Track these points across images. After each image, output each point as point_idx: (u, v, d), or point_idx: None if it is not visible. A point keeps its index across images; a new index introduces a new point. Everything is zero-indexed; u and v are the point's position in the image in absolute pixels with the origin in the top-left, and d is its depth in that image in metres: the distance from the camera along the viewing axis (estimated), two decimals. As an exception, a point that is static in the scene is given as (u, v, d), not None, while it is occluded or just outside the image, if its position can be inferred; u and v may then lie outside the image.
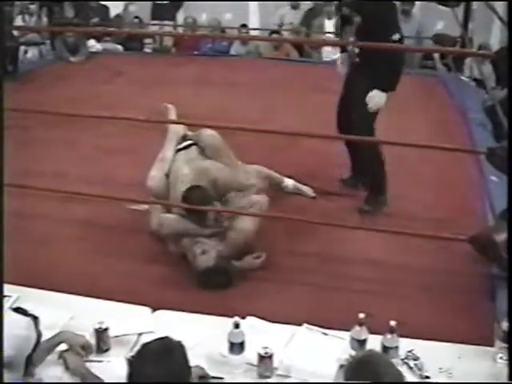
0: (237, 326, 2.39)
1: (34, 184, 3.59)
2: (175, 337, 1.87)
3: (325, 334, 2.60)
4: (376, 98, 3.45)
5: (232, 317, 2.43)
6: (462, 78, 6.43)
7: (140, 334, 2.56)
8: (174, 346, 1.83)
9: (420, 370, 2.39)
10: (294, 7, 8.01)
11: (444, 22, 7.54)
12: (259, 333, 2.56)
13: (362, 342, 2.43)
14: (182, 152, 3.50)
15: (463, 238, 2.94)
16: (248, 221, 3.16)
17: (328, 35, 7.27)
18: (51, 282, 2.93)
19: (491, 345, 2.46)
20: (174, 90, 5.34)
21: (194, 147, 3.54)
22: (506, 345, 2.33)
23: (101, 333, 2.46)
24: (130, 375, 1.79)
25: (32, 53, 7.35)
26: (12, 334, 1.95)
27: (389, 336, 2.40)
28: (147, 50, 8.08)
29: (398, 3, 7.02)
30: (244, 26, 7.99)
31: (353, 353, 2.37)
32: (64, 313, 2.66)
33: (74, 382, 2.31)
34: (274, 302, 2.88)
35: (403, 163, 4.04)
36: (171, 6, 8.32)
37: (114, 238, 3.42)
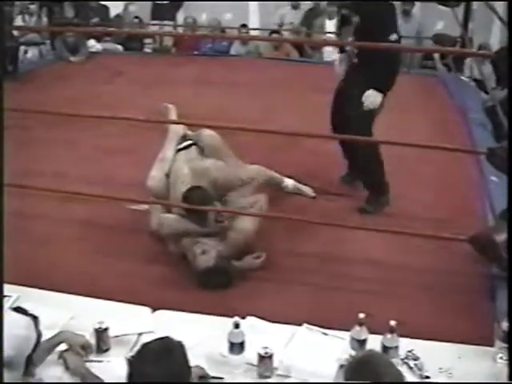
0: (237, 326, 2.39)
1: (34, 184, 3.59)
2: (175, 337, 1.87)
3: (325, 333, 2.60)
4: (371, 98, 3.46)
5: (232, 317, 2.43)
6: (462, 78, 6.43)
7: (140, 334, 2.56)
8: (174, 345, 1.83)
9: (420, 369, 2.39)
10: (295, 7, 8.01)
11: (444, 22, 7.54)
12: (259, 333, 2.56)
13: (362, 342, 2.43)
14: (183, 152, 3.50)
15: (463, 237, 2.94)
16: (248, 221, 3.16)
17: (329, 35, 7.26)
18: (51, 282, 2.93)
19: (491, 345, 2.46)
20: (174, 90, 5.34)
21: (194, 147, 3.55)
22: (506, 345, 2.33)
23: (101, 333, 2.46)
24: (130, 375, 1.80)
25: (32, 53, 7.35)
26: (12, 333, 1.95)
27: (389, 336, 2.40)
28: (147, 49, 8.08)
29: (397, 3, 7.10)
30: (244, 25, 8.00)
31: (353, 353, 2.37)
32: (64, 313, 2.66)
33: (74, 382, 2.31)
34: (274, 302, 2.88)
35: (403, 163, 4.05)
36: (171, 5, 8.33)
37: (114, 237, 3.42)
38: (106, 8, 8.26)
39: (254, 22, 8.56)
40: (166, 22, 8.04)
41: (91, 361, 2.39)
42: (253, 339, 2.43)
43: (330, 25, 7.20)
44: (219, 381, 2.35)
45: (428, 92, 5.86)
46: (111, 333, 2.49)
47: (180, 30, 8.42)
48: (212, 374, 2.34)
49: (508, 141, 2.69)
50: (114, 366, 2.35)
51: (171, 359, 1.79)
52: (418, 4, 7.56)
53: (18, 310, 2.11)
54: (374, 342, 2.40)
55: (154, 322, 2.66)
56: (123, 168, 4.16)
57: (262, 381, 2.37)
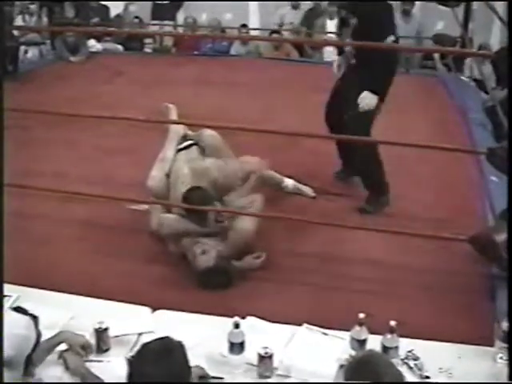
0: (237, 326, 2.39)
1: (34, 184, 3.59)
2: (175, 337, 1.87)
3: (325, 333, 2.60)
4: (367, 100, 3.48)
5: (232, 317, 2.43)
6: (462, 78, 6.43)
7: (140, 334, 2.56)
8: (174, 345, 1.83)
9: (420, 370, 2.39)
10: (295, 7, 8.01)
11: (444, 22, 7.54)
12: (259, 333, 2.56)
13: (362, 342, 2.43)
14: (183, 152, 3.50)
15: (463, 237, 2.95)
16: (248, 221, 3.16)
17: (330, 35, 7.26)
18: (51, 282, 2.93)
19: (491, 345, 2.46)
20: (174, 90, 5.34)
21: (194, 147, 3.55)
22: (506, 345, 2.33)
23: (101, 333, 2.46)
24: (130, 375, 1.80)
25: (32, 53, 7.35)
26: (12, 333, 1.95)
27: (389, 336, 2.40)
28: (147, 49, 8.09)
29: (397, 3, 7.12)
30: (244, 25, 8.00)
31: (353, 353, 2.37)
32: (64, 313, 2.66)
33: (74, 382, 2.31)
34: (274, 302, 2.88)
35: (403, 163, 4.05)
36: (171, 5, 8.33)
37: (114, 237, 3.42)
38: (107, 8, 8.26)
39: (254, 22, 8.56)
40: (166, 22, 8.05)
41: (91, 361, 2.39)
42: (253, 339, 2.43)
43: (331, 25, 7.20)
44: (219, 381, 2.35)
45: (428, 92, 5.86)
46: (111, 333, 2.49)
47: (180, 30, 8.43)
48: (212, 374, 2.34)
49: (508, 141, 2.69)
50: (114, 366, 2.35)
51: (171, 359, 1.79)
52: (418, 4, 7.55)
53: (18, 309, 2.11)
54: (374, 342, 2.40)
55: (154, 322, 2.66)
56: (123, 168, 4.16)
57: (261, 381, 2.37)
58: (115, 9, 8.39)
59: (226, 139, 3.57)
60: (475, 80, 6.30)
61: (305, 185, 3.87)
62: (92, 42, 7.49)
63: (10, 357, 1.93)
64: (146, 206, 3.55)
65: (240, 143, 3.69)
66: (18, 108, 3.43)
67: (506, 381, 2.22)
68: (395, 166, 3.82)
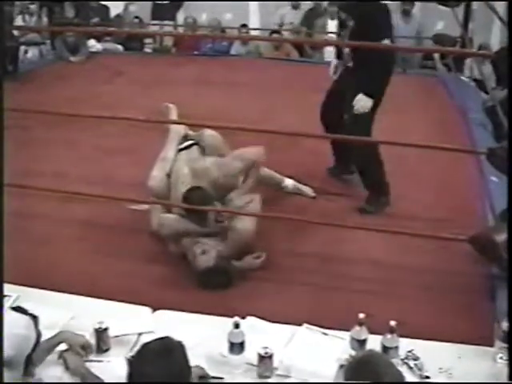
0: (237, 326, 2.39)
1: (34, 184, 3.59)
2: (175, 337, 1.87)
3: (325, 333, 2.60)
4: (361, 102, 3.49)
5: (232, 317, 2.43)
6: (462, 78, 6.43)
7: (140, 334, 2.56)
8: (175, 345, 1.83)
9: (420, 370, 2.39)
10: (295, 7, 8.01)
11: (444, 22, 7.54)
12: (259, 333, 2.56)
13: (362, 342, 2.43)
14: (184, 152, 3.50)
15: (463, 237, 2.94)
16: (248, 220, 3.16)
17: (330, 35, 7.26)
18: (51, 282, 2.93)
19: (491, 345, 2.46)
20: (174, 90, 5.34)
21: (195, 147, 3.55)
22: (506, 345, 2.33)
23: (101, 333, 2.47)
24: (130, 375, 1.80)
25: (32, 53, 7.35)
26: (12, 332, 1.95)
27: (389, 336, 2.40)
28: (147, 49, 8.09)
29: (397, 3, 7.11)
30: (244, 25, 8.00)
31: (353, 353, 2.37)
32: (64, 313, 2.66)
33: (74, 382, 2.31)
34: (274, 302, 2.88)
35: (403, 163, 4.05)
36: (171, 5, 8.33)
37: (114, 237, 3.42)
38: (107, 8, 8.26)
39: (254, 22, 8.56)
40: (166, 22, 8.04)
41: (91, 361, 2.39)
42: (253, 339, 2.43)
43: (332, 25, 7.20)
44: (219, 381, 2.35)
45: (428, 92, 5.86)
46: (111, 333, 2.49)
47: (180, 29, 8.42)
48: (212, 374, 2.34)
49: (508, 141, 2.69)
50: (114, 366, 2.35)
51: (171, 359, 1.79)
52: (418, 4, 7.55)
53: (18, 309, 2.11)
54: (374, 342, 2.40)
55: (154, 322, 2.66)
56: (123, 168, 4.16)
57: (261, 381, 2.37)
58: (115, 9, 8.39)
59: (226, 139, 3.57)
60: (475, 80, 6.30)
61: (305, 185, 3.87)
62: (92, 42, 7.49)
63: (10, 356, 1.93)
64: (146, 206, 3.55)
65: (240, 143, 3.67)
66: (18, 108, 3.43)
67: (506, 381, 2.22)
68: (395, 166, 3.82)
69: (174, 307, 2.79)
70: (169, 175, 3.41)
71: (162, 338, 1.86)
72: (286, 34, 7.74)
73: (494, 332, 2.50)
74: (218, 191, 3.25)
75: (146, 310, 2.78)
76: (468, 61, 6.78)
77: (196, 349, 2.18)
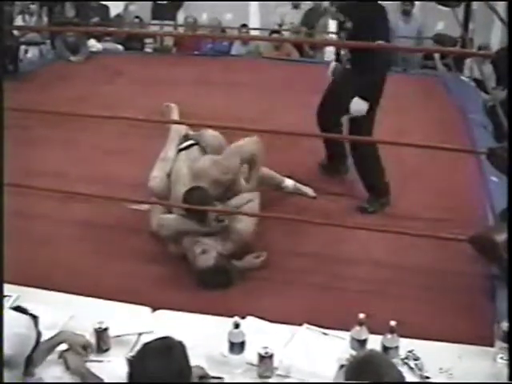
0: (237, 325, 2.39)
1: (34, 184, 3.59)
2: (175, 337, 1.87)
3: (325, 333, 2.60)
4: (356, 106, 3.49)
5: (232, 317, 2.43)
6: (463, 78, 6.43)
7: (140, 334, 2.56)
8: (175, 345, 1.83)
9: (420, 370, 2.39)
10: (296, 7, 8.01)
11: (444, 22, 7.54)
12: (259, 333, 2.56)
13: (362, 342, 2.43)
14: (184, 152, 3.50)
15: (463, 237, 2.94)
16: (248, 220, 3.16)
17: (331, 35, 7.26)
18: (51, 282, 2.94)
19: (491, 345, 2.46)
20: (174, 90, 5.34)
21: (195, 147, 3.55)
22: (506, 345, 2.33)
23: (101, 333, 2.47)
24: (131, 375, 1.80)
25: (32, 52, 7.34)
26: (12, 332, 1.95)
27: (389, 336, 2.40)
28: (148, 49, 8.08)
29: (397, 3, 7.11)
30: (244, 25, 8.00)
31: (353, 353, 2.36)
32: (64, 313, 2.67)
33: (74, 381, 2.31)
34: (274, 302, 2.88)
35: (403, 163, 4.05)
36: (171, 5, 8.33)
37: (114, 237, 3.42)
38: (107, 8, 8.25)
39: (254, 21, 8.56)
40: (166, 22, 8.04)
41: (91, 361, 2.40)
42: (253, 339, 2.43)
43: (334, 25, 7.20)
44: (219, 381, 2.35)
45: (428, 92, 5.86)
46: (111, 333, 2.49)
47: (180, 29, 8.42)
48: (212, 373, 2.34)
49: (508, 141, 2.69)
50: (114, 365, 2.35)
51: (171, 359, 1.79)
52: (418, 4, 7.55)
53: (18, 309, 2.11)
54: (374, 342, 2.40)
55: (154, 322, 2.66)
56: (124, 168, 4.15)
57: (261, 381, 2.37)
58: (115, 8, 8.39)
59: (226, 139, 3.57)
60: (475, 80, 6.30)
61: (305, 185, 3.87)
62: (92, 42, 7.48)
63: (10, 356, 1.93)
64: (146, 206, 3.56)
65: (240, 143, 3.68)
66: (18, 108, 3.44)
67: (506, 381, 2.22)
68: (395, 166, 3.82)
69: (174, 307, 2.79)
70: (169, 175, 3.41)
71: (162, 338, 1.87)
72: (286, 34, 7.74)
73: (494, 332, 2.50)
74: (218, 189, 3.24)
75: (146, 309, 2.78)
76: (468, 61, 6.79)
77: (196, 349, 2.17)
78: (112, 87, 5.96)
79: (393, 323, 2.39)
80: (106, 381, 2.28)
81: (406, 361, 2.42)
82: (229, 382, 2.36)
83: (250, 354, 2.40)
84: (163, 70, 6.42)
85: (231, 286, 3.01)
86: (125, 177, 3.98)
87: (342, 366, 2.20)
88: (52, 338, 2.31)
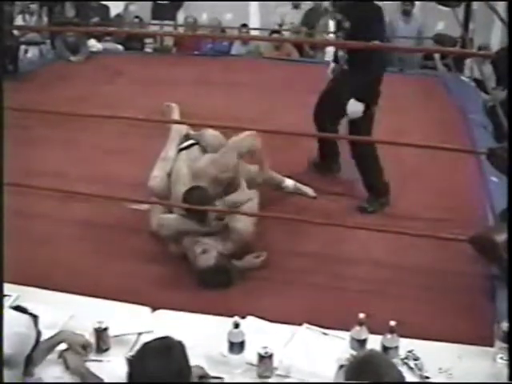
0: (237, 325, 2.39)
1: (34, 183, 3.59)
2: (175, 336, 1.87)
3: (325, 333, 2.60)
4: (352, 108, 3.50)
5: (232, 316, 2.43)
6: (463, 78, 6.43)
7: (140, 334, 2.56)
8: (174, 345, 1.83)
9: (420, 370, 2.39)
10: (296, 7, 8.01)
11: (444, 22, 7.54)
12: (259, 333, 2.56)
13: (362, 342, 2.43)
14: (184, 152, 3.50)
15: (463, 238, 2.94)
16: (247, 220, 3.16)
17: (331, 35, 7.25)
18: (51, 282, 2.94)
19: (491, 345, 2.46)
20: (174, 90, 5.33)
21: (196, 147, 3.55)
22: (506, 345, 2.33)
23: (100, 332, 2.47)
24: (130, 375, 1.79)
25: (32, 52, 7.34)
26: (12, 331, 1.95)
27: (389, 336, 2.40)
28: (148, 49, 8.08)
29: (398, 3, 7.11)
30: (244, 25, 8.00)
31: (353, 353, 2.37)
32: (64, 312, 2.67)
33: (73, 381, 2.31)
34: (274, 302, 2.88)
35: (403, 163, 4.05)
36: (171, 5, 8.33)
37: (114, 237, 3.42)
38: (107, 8, 8.25)
39: (254, 21, 8.56)
40: (166, 22, 8.04)
41: (91, 360, 2.39)
42: (253, 339, 2.43)
43: (334, 25, 7.20)
44: (219, 381, 2.35)
45: (428, 92, 5.86)
46: (111, 332, 2.49)
47: (180, 29, 8.42)
48: (212, 373, 2.34)
49: (508, 141, 2.69)
50: (113, 365, 2.35)
51: (171, 359, 1.79)
52: (418, 4, 7.55)
53: (18, 308, 2.12)
54: (374, 342, 2.40)
55: (154, 322, 2.66)
56: (124, 168, 4.15)
57: (261, 381, 2.37)
58: (115, 8, 8.39)
59: (226, 139, 3.56)
60: (475, 80, 6.30)
61: (305, 185, 3.87)
62: (92, 42, 7.48)
63: (10, 355, 1.93)
64: (146, 206, 3.56)
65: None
66: (18, 107, 3.44)
67: (506, 381, 2.22)
68: (395, 166, 3.82)
69: (174, 307, 2.79)
70: (169, 175, 3.41)
71: (161, 338, 1.86)
72: (286, 34, 7.74)
73: (493, 332, 2.50)
74: (218, 188, 3.24)
75: (146, 309, 2.78)
76: (468, 61, 6.78)
77: (196, 348, 2.17)
78: (112, 87, 5.96)
79: (393, 323, 2.39)
80: (105, 380, 2.27)
81: (405, 361, 2.42)
82: (228, 381, 2.36)
83: (250, 354, 2.39)
84: (163, 70, 6.42)
85: (231, 286, 3.01)
86: (125, 176, 3.98)
87: (341, 366, 2.20)
88: (52, 337, 2.31)
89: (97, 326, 2.47)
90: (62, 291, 2.87)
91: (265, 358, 2.36)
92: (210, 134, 3.54)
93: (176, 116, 3.96)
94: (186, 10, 8.54)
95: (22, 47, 7.01)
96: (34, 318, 2.08)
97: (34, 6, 7.58)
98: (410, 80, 6.07)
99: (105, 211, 3.60)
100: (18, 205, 3.27)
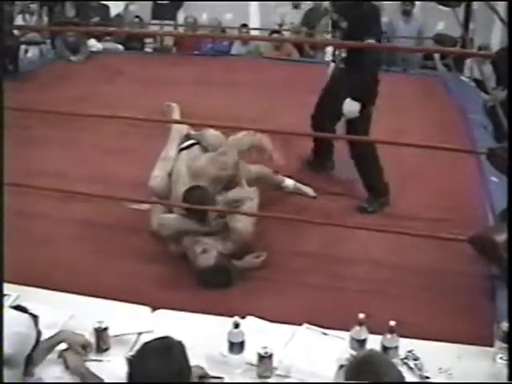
0: (237, 325, 2.39)
1: (34, 183, 3.59)
2: (175, 336, 1.87)
3: (325, 334, 2.60)
4: (348, 107, 3.50)
5: (232, 316, 2.43)
6: (463, 78, 6.43)
7: (140, 334, 2.56)
8: (174, 345, 1.83)
9: (420, 370, 2.39)
10: (296, 7, 8.01)
11: (445, 22, 7.53)
12: (259, 332, 2.56)
13: (362, 342, 2.43)
14: (185, 152, 3.50)
15: (463, 238, 2.94)
16: (247, 220, 3.17)
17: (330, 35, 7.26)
18: (51, 282, 2.94)
19: (491, 345, 2.46)
20: (174, 90, 5.33)
21: (196, 147, 3.55)
22: (505, 345, 2.33)
23: (100, 332, 2.47)
24: (130, 374, 1.79)
25: (32, 52, 7.34)
26: (12, 331, 1.95)
27: (388, 336, 2.40)
28: (148, 49, 8.08)
29: (398, 3, 7.10)
30: (244, 25, 8.00)
31: (353, 353, 2.37)
32: (64, 312, 2.66)
33: (73, 381, 2.31)
34: (274, 302, 2.88)
35: (403, 163, 4.05)
36: (172, 5, 8.33)
37: (114, 237, 3.42)
38: (107, 7, 8.25)
39: (254, 21, 8.56)
40: (166, 22, 8.04)
41: (91, 360, 2.39)
42: (253, 339, 2.44)
43: (334, 25, 7.20)
44: (219, 380, 2.35)
45: (428, 92, 5.86)
46: (111, 332, 2.49)
47: (180, 29, 8.41)
48: (212, 373, 2.34)
49: (508, 141, 2.69)
50: (113, 365, 2.35)
51: (171, 358, 1.79)
52: (418, 4, 7.55)
53: (18, 308, 2.11)
54: (374, 342, 2.40)
55: (154, 322, 2.66)
56: (124, 167, 4.15)
57: (261, 381, 2.37)
58: (115, 8, 8.39)
59: (226, 138, 3.57)
60: (475, 80, 6.30)
61: (305, 185, 3.87)
62: (92, 42, 7.48)
63: (10, 355, 1.93)
64: (146, 206, 3.56)
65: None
66: (18, 107, 3.44)
67: (505, 381, 2.22)
68: (395, 166, 3.82)
69: (174, 307, 2.79)
70: (170, 175, 3.41)
71: (161, 338, 1.86)
72: (286, 34, 7.74)
73: (493, 332, 2.50)
74: (218, 186, 3.25)
75: (146, 309, 2.78)
76: (468, 61, 6.78)
77: (196, 348, 2.17)
78: (112, 87, 5.96)
79: (392, 323, 2.39)
80: (105, 380, 2.27)
81: (405, 361, 2.42)
82: (228, 381, 2.36)
83: (250, 354, 2.39)
84: (163, 70, 6.42)
85: (231, 286, 3.01)
86: (125, 176, 3.98)
87: (341, 366, 2.20)
88: (52, 337, 2.31)
89: (97, 325, 2.47)
90: (62, 291, 2.87)
91: (265, 358, 2.36)
92: (211, 134, 3.54)
93: (176, 116, 3.96)
94: (186, 9, 8.54)
95: (23, 47, 7.00)
96: (34, 317, 2.08)
97: (34, 6, 7.58)
98: (409, 80, 6.07)
99: (105, 211, 3.60)
100: (18, 205, 3.27)
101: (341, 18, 3.51)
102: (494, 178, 3.78)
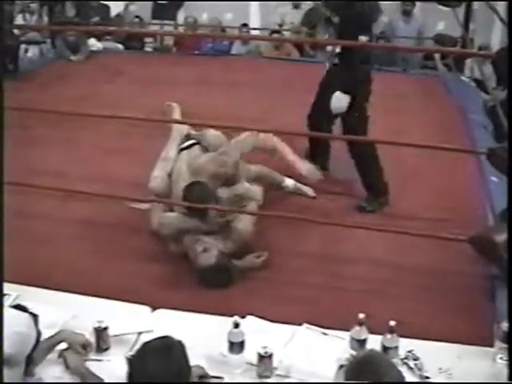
0: (236, 325, 2.39)
1: (35, 183, 3.59)
2: (175, 336, 1.87)
3: (325, 333, 2.60)
4: (336, 101, 3.51)
5: (232, 316, 2.43)
6: (463, 78, 6.43)
7: (140, 333, 2.56)
8: (174, 345, 1.83)
9: (420, 370, 2.39)
10: (296, 7, 8.01)
11: (445, 22, 7.53)
12: (259, 332, 2.56)
13: (362, 342, 2.43)
14: (185, 152, 3.51)
15: (463, 238, 2.94)
16: (247, 219, 3.17)
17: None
18: (51, 281, 2.93)
19: (491, 345, 2.46)
20: (174, 90, 5.33)
21: (197, 146, 3.55)
22: (505, 345, 2.33)
23: (100, 332, 2.47)
24: (130, 374, 1.80)
25: (32, 52, 7.33)
26: (12, 330, 1.95)
27: (388, 336, 2.40)
28: (148, 49, 8.07)
29: (398, 3, 7.11)
30: (245, 25, 8.00)
31: (353, 353, 2.37)
32: (64, 312, 2.66)
33: (73, 381, 2.31)
34: (274, 302, 2.88)
35: (403, 163, 4.05)
36: (172, 5, 8.33)
37: (114, 237, 3.42)
38: (107, 7, 8.25)
39: (254, 21, 8.56)
40: (166, 22, 8.04)
41: (91, 360, 2.39)
42: (252, 339, 2.44)
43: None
44: (219, 380, 2.35)
45: (428, 92, 5.86)
46: (111, 332, 2.49)
47: (181, 29, 8.41)
48: (212, 373, 2.33)
49: (508, 141, 2.69)
50: (113, 365, 2.35)
51: (171, 358, 1.79)
52: (418, 4, 7.54)
53: (18, 307, 2.11)
54: (374, 342, 2.40)
55: (154, 322, 2.66)
56: (124, 167, 4.15)
57: (261, 381, 2.37)
58: (116, 8, 8.39)
59: (227, 138, 3.57)
60: (475, 80, 6.30)
61: (305, 184, 3.87)
62: (92, 41, 7.48)
63: (10, 355, 1.93)
64: (146, 205, 3.56)
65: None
66: (18, 107, 3.44)
67: (505, 381, 2.22)
68: (395, 166, 3.82)
69: (174, 306, 2.79)
70: (170, 175, 3.41)
71: (161, 338, 1.87)
72: (286, 34, 7.74)
73: (493, 332, 2.50)
74: (217, 183, 3.25)
75: (146, 309, 2.78)
76: (468, 61, 6.78)
77: (196, 348, 2.17)
78: (112, 86, 5.96)
79: (392, 323, 2.39)
80: (105, 380, 2.27)
81: (405, 361, 2.42)
82: (228, 381, 2.36)
83: (250, 354, 2.39)
84: (163, 70, 6.41)
85: (232, 286, 3.01)
86: (125, 176, 3.98)
87: (341, 366, 2.20)
88: (52, 336, 2.31)
89: (97, 325, 2.47)
90: (62, 291, 2.87)
91: (265, 358, 2.36)
92: (212, 134, 3.54)
93: (177, 116, 3.96)
94: (187, 9, 8.54)
95: (23, 46, 7.00)
96: (34, 317, 2.08)
97: (34, 6, 7.58)
98: (409, 80, 6.08)
99: (105, 210, 3.60)
100: (18, 204, 3.27)
101: (333, 14, 3.53)
102: (494, 178, 3.78)
